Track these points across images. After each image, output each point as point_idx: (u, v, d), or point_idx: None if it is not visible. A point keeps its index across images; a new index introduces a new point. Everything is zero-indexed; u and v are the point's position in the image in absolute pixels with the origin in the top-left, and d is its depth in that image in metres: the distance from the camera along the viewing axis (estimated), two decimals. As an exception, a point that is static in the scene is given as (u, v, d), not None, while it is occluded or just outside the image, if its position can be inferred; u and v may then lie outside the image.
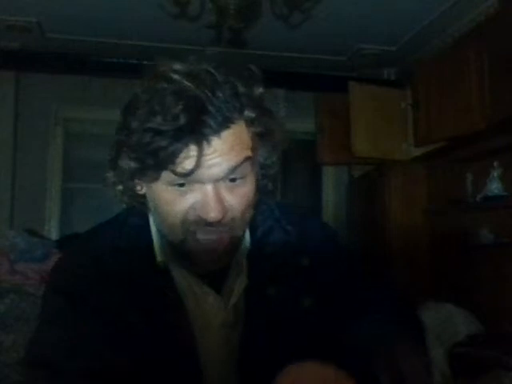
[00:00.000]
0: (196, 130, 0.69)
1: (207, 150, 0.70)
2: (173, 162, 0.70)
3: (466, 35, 2.99)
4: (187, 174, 0.70)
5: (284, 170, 3.48)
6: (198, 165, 0.70)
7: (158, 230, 0.82)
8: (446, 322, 2.73)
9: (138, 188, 0.80)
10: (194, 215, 0.73)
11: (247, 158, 0.74)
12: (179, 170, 0.70)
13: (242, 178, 0.75)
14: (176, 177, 0.71)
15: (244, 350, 0.81)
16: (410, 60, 3.67)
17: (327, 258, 0.89)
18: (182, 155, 0.70)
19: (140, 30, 3.39)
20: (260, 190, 0.83)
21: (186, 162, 0.70)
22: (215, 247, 0.76)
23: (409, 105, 3.59)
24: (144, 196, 0.80)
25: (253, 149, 0.77)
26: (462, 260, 3.12)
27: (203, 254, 0.77)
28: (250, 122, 0.76)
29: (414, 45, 3.54)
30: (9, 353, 1.98)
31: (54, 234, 3.78)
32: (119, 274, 0.79)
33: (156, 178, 0.73)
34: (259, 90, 0.77)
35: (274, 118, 0.80)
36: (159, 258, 0.82)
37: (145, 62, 3.74)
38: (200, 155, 0.70)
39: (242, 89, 0.74)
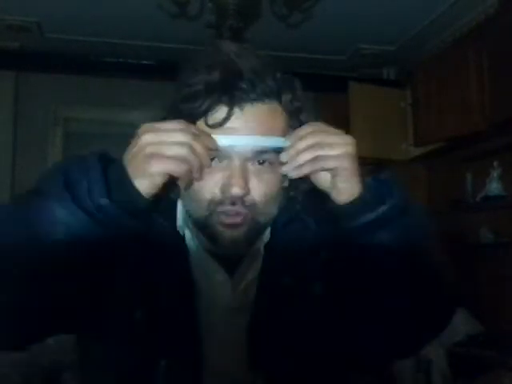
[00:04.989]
0: (228, 90, 0.74)
1: (240, 117, 0.74)
2: (205, 114, 0.75)
3: (466, 35, 3.00)
4: (218, 124, 0.74)
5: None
6: (228, 116, 0.74)
7: (186, 211, 0.85)
8: (446, 322, 2.73)
9: None
10: (220, 194, 0.76)
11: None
12: (210, 121, 0.75)
13: (270, 163, 0.77)
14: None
15: (252, 336, 0.82)
16: (409, 60, 3.67)
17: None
18: (215, 110, 0.75)
19: (140, 30, 3.38)
20: (287, 199, 0.84)
21: (217, 114, 0.74)
22: (236, 228, 0.78)
23: (409, 105, 3.59)
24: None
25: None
26: (461, 260, 3.12)
27: (225, 233, 0.78)
28: (286, 104, 0.79)
29: (414, 45, 3.54)
30: (8, 352, 1.97)
31: (54, 234, 3.78)
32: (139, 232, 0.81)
33: None
34: (299, 88, 0.83)
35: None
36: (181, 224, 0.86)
37: (144, 62, 3.76)
38: (230, 109, 0.74)
39: (280, 75, 0.80)
